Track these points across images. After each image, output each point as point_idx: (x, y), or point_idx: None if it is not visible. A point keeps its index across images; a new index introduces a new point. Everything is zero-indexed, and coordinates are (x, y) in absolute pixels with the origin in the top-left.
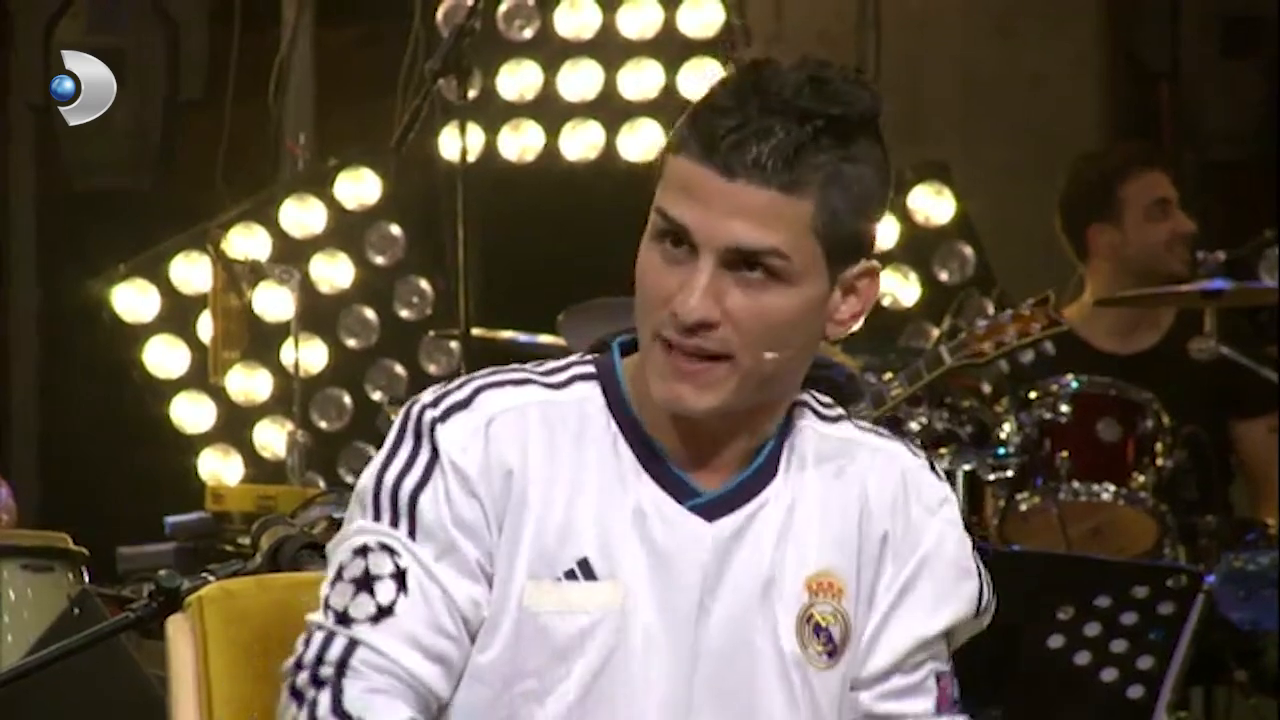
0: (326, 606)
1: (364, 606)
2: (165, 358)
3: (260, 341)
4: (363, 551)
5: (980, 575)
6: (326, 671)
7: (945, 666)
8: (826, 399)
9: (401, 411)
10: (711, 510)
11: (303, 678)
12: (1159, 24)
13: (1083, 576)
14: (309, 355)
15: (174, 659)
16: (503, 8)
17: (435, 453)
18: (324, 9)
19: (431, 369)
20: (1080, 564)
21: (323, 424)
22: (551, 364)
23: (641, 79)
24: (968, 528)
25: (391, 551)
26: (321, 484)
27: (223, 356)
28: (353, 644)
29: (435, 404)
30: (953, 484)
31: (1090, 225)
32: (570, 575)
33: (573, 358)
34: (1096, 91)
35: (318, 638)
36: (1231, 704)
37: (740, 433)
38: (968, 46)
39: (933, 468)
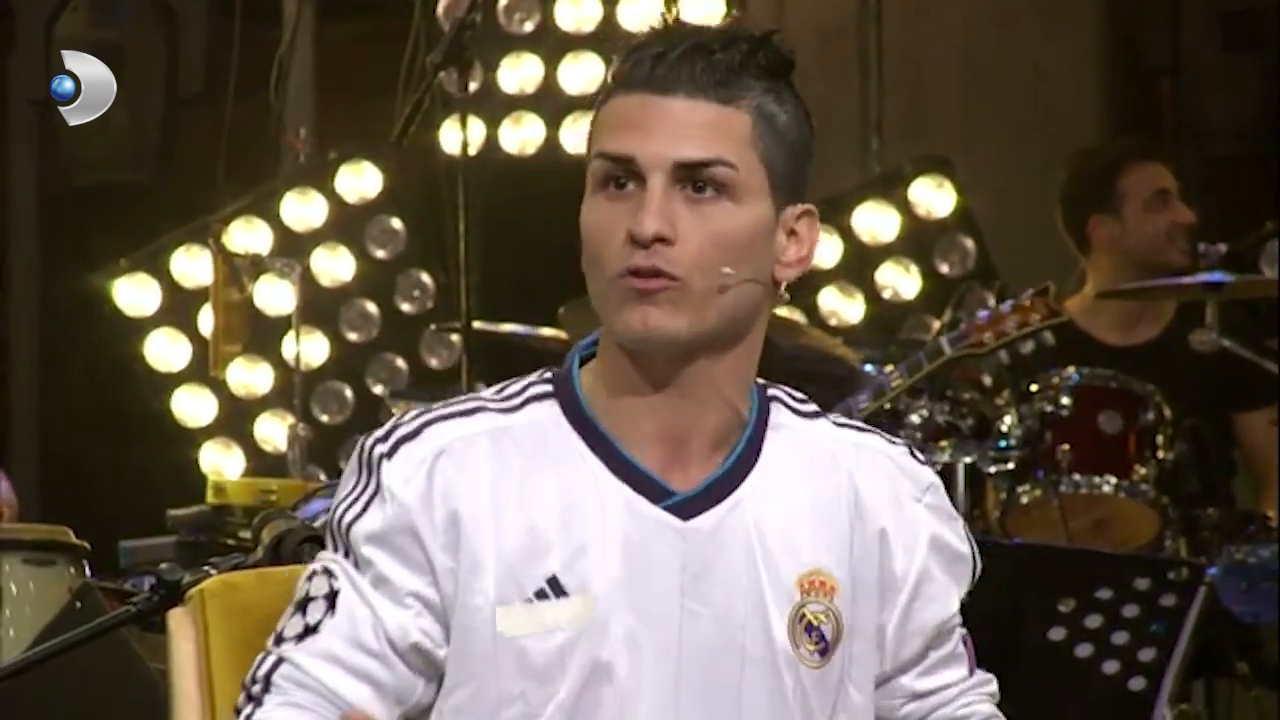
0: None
1: (295, 626)
2: (166, 351)
3: (261, 335)
4: (310, 576)
5: (972, 549)
6: (256, 689)
7: (964, 630)
8: (800, 394)
9: (357, 445)
10: (686, 509)
11: (241, 696)
12: (1160, 19)
13: (1084, 569)
14: (310, 349)
15: (175, 652)
16: (503, 1)
17: (378, 486)
18: (324, 3)
19: (433, 362)
20: (1081, 556)
21: (324, 417)
22: (508, 387)
23: None
24: (969, 520)
25: (331, 575)
26: (322, 477)
27: (224, 350)
28: (279, 661)
29: (385, 438)
30: (953, 476)
31: (1090, 218)
32: (540, 595)
33: (530, 377)
34: (1097, 86)
35: (258, 659)
36: (1233, 696)
37: (709, 412)
38: (969, 41)
39: (912, 453)
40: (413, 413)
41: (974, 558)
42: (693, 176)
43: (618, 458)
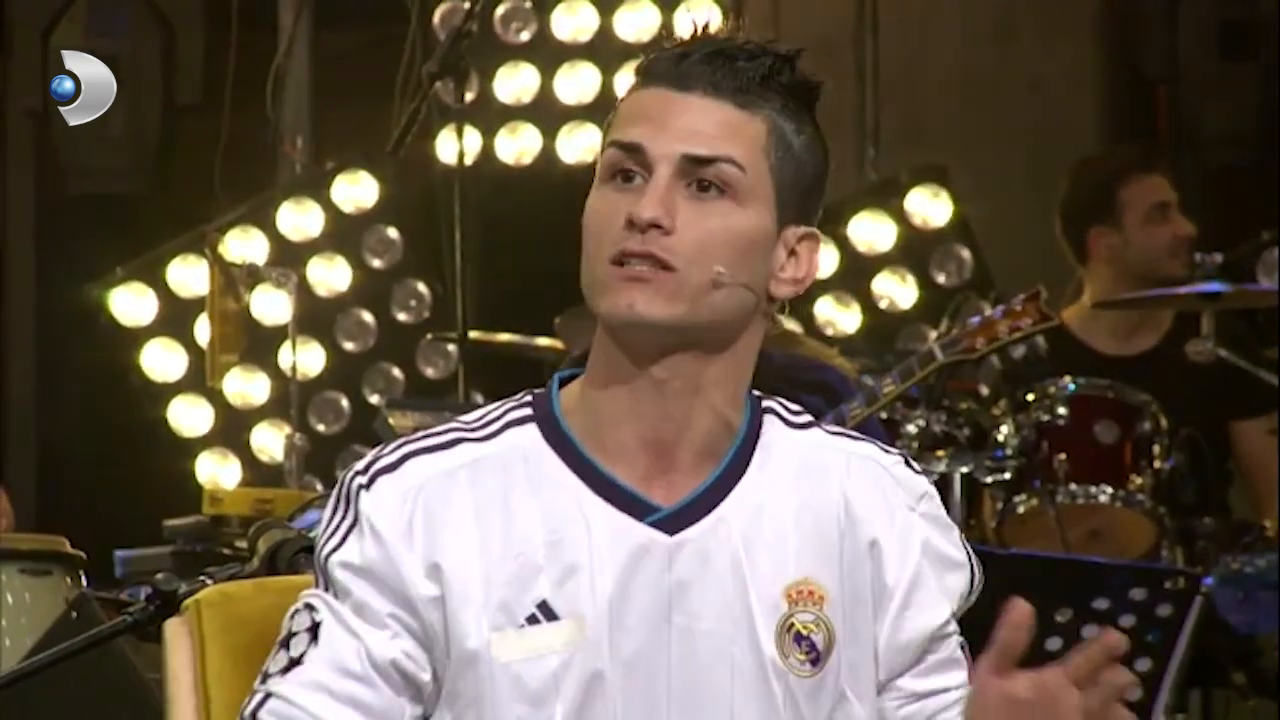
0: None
1: (279, 661)
2: (163, 361)
3: (258, 345)
4: (293, 614)
5: (970, 558)
6: None
7: (961, 639)
8: (794, 406)
9: (339, 479)
10: (672, 523)
11: None
12: (1157, 28)
13: (1080, 579)
14: (306, 358)
15: (171, 662)
16: (500, 10)
17: (356, 517)
18: (321, 13)
19: (429, 372)
20: (1078, 566)
21: (320, 427)
22: (487, 414)
23: None
24: (966, 529)
25: (312, 609)
26: (319, 487)
27: (220, 360)
28: (266, 697)
29: (365, 470)
30: (950, 486)
31: (1091, 229)
32: (532, 620)
33: (510, 402)
34: (1095, 95)
35: (246, 699)
36: (1230, 706)
37: (695, 423)
38: (966, 50)
39: (907, 462)
40: (393, 445)
41: (971, 567)
42: (699, 173)
43: (599, 477)
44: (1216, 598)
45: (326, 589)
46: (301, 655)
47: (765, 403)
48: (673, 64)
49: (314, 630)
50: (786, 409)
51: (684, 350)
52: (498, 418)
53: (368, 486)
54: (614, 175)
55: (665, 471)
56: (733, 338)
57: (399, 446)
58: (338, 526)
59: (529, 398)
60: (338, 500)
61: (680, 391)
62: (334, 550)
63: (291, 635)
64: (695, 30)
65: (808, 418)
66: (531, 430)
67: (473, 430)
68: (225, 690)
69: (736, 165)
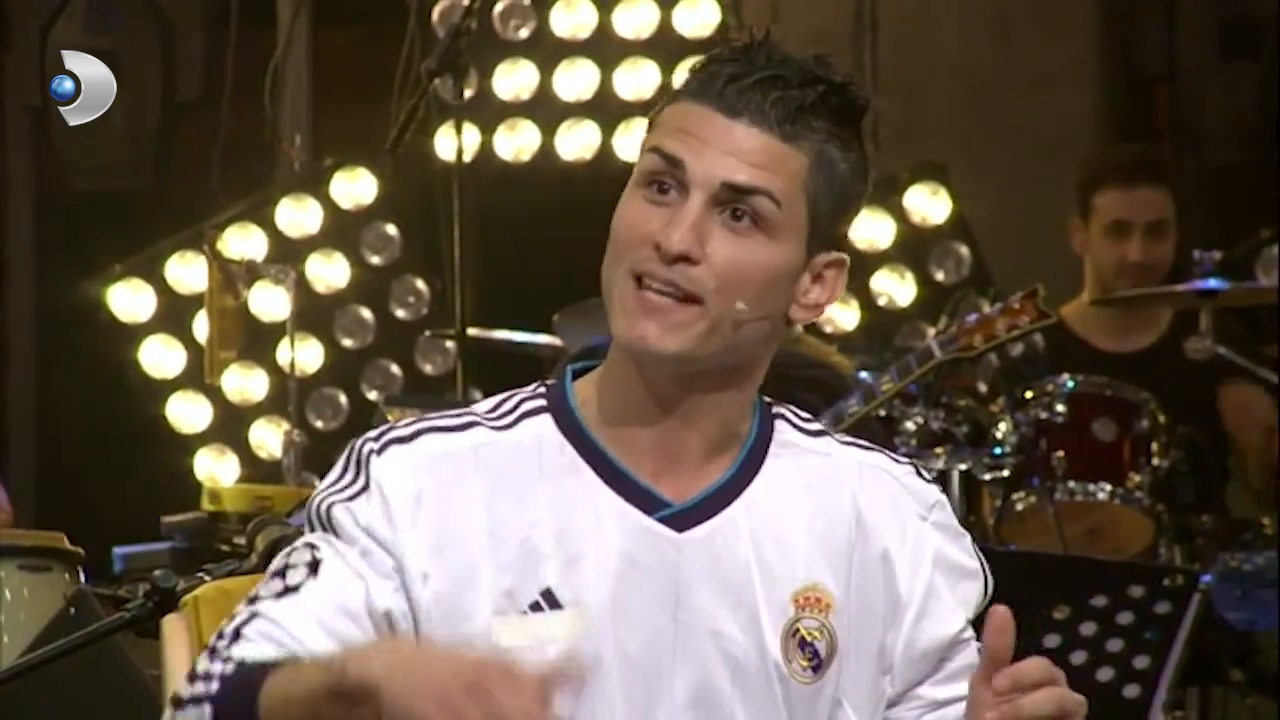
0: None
1: (272, 587)
2: (161, 358)
3: (256, 341)
4: (289, 553)
5: (982, 565)
6: (221, 643)
7: (979, 644)
8: (805, 414)
9: (349, 444)
10: (681, 521)
11: (202, 655)
12: (1156, 27)
13: (1079, 576)
14: (305, 355)
15: (170, 658)
16: (499, 7)
17: (367, 481)
18: (320, 10)
19: (428, 369)
20: (1076, 564)
21: (319, 424)
22: (501, 403)
23: (638, 79)
24: (964, 527)
25: (313, 547)
26: (317, 483)
27: (219, 356)
28: (252, 615)
29: (377, 438)
30: (948, 484)
31: (1073, 221)
32: (535, 607)
33: (523, 392)
34: (1093, 94)
35: (228, 619)
36: (1228, 704)
37: (705, 430)
38: (965, 49)
39: (918, 471)
40: (408, 420)
41: (984, 574)
42: (735, 202)
43: (612, 469)
44: (1215, 595)
45: (326, 533)
46: (299, 585)
47: (776, 408)
48: (723, 84)
49: (314, 566)
50: (798, 416)
51: (699, 379)
52: (513, 408)
53: (379, 452)
54: (650, 183)
55: (676, 470)
56: (748, 364)
57: (414, 422)
58: (346, 485)
59: (542, 389)
60: (346, 463)
61: (693, 413)
62: (343, 504)
63: (289, 567)
64: (751, 42)
65: (819, 426)
66: (546, 420)
67: (488, 418)
68: None
69: (773, 200)
